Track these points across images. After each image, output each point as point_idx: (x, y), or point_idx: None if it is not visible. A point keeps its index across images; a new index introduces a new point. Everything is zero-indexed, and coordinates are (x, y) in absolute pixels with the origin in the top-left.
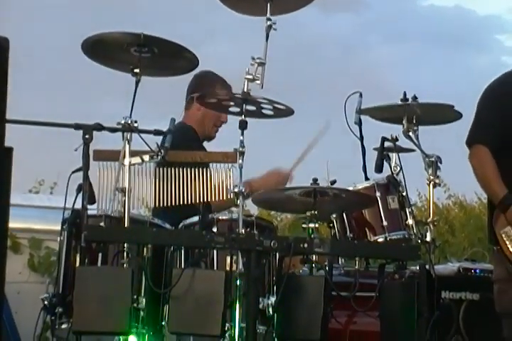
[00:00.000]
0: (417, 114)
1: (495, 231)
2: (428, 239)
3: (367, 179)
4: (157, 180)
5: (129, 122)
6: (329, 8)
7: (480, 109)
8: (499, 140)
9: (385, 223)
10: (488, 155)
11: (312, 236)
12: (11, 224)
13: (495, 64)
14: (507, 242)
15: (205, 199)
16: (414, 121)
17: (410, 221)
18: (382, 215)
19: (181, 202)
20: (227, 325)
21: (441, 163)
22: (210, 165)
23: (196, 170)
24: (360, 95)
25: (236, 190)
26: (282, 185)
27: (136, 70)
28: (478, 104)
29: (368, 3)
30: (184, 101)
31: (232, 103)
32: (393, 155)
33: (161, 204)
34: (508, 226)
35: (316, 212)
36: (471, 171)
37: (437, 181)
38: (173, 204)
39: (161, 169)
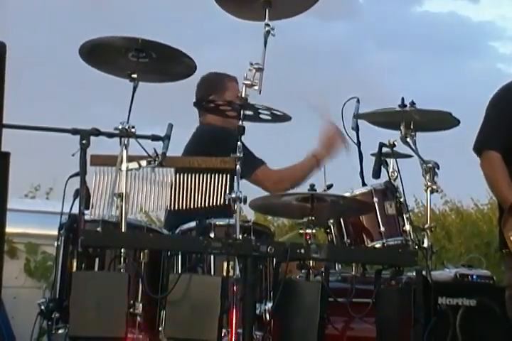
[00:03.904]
0: (414, 119)
1: (504, 234)
2: (425, 244)
3: (364, 184)
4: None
5: (127, 127)
6: (325, 15)
7: (488, 116)
8: (508, 145)
9: (382, 229)
10: (500, 161)
11: (309, 241)
12: (8, 229)
13: (489, 70)
14: None
15: (203, 205)
16: (412, 127)
17: (407, 227)
18: (380, 221)
19: (180, 207)
20: (223, 330)
21: (438, 168)
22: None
23: (194, 175)
24: (358, 101)
25: (233, 195)
26: (341, 140)
27: (134, 75)
28: (487, 110)
29: (364, 10)
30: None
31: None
32: (391, 161)
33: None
34: None
35: (313, 218)
36: (468, 177)
37: (435, 187)
38: (174, 208)
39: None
